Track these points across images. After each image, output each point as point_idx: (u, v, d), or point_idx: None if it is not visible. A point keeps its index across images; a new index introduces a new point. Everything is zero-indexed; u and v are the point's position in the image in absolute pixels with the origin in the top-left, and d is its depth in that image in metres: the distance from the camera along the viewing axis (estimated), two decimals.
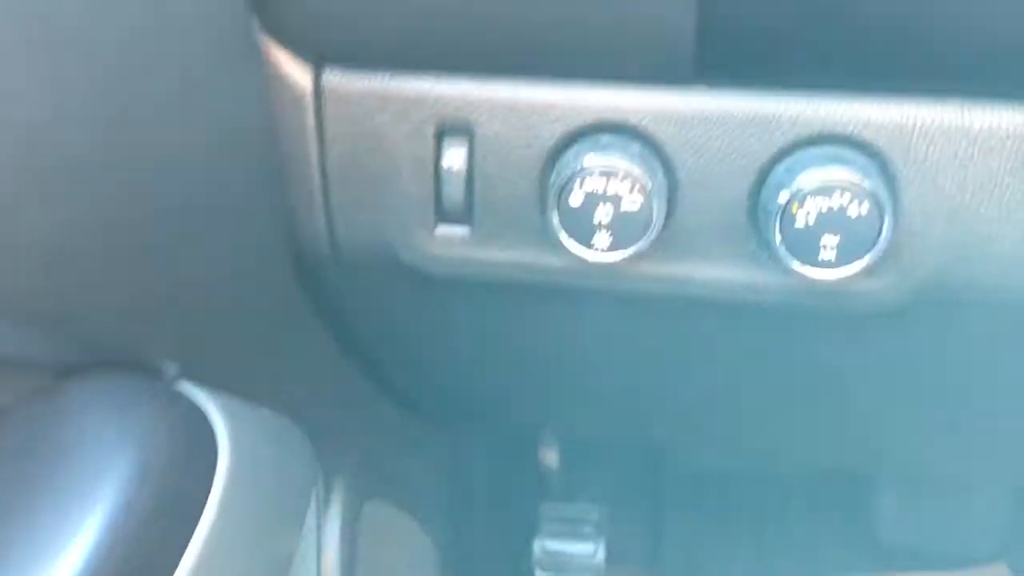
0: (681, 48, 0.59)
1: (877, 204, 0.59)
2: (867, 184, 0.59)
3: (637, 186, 0.61)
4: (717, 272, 0.66)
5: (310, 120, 0.66)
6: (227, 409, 0.58)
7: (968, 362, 0.74)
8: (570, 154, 0.63)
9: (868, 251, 0.60)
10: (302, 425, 0.75)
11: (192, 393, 0.58)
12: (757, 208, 0.64)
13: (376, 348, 0.84)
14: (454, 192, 0.67)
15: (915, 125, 0.61)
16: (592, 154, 0.62)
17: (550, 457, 1.26)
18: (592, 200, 0.62)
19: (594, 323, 0.74)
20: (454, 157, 0.66)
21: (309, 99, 0.66)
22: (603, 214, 0.62)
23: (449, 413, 1.08)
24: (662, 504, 1.42)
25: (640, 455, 1.41)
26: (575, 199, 0.62)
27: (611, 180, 0.61)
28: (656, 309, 0.70)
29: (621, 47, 0.60)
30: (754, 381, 0.82)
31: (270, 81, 0.66)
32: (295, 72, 0.65)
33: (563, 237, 0.63)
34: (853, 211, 0.60)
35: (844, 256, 0.61)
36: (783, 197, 0.60)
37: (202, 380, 0.61)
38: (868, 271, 0.62)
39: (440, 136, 0.66)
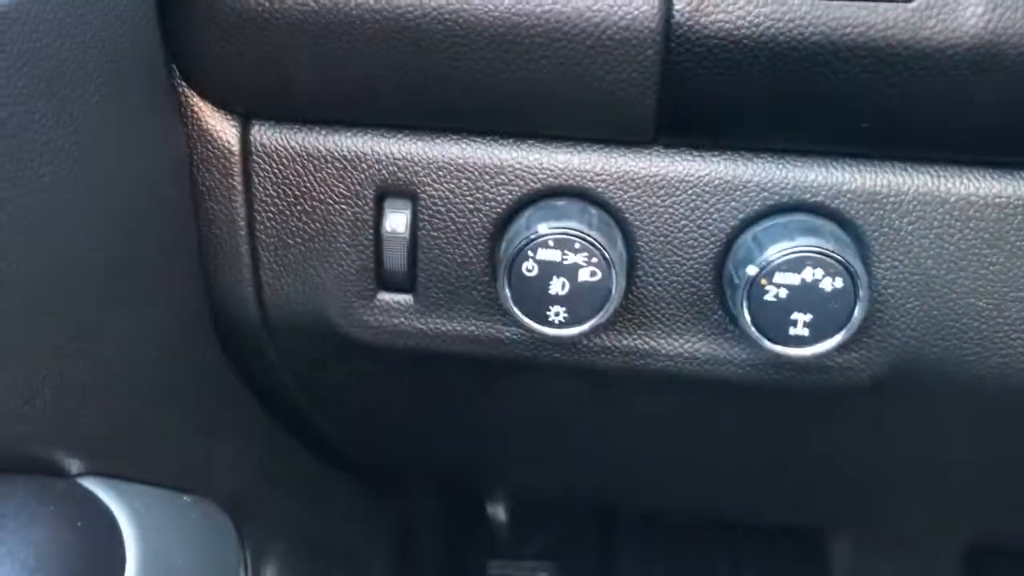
0: (642, 110, 0.55)
1: (851, 278, 0.56)
2: (840, 257, 0.55)
3: (595, 256, 0.56)
4: (681, 345, 0.61)
5: (237, 179, 0.60)
6: (136, 504, 0.52)
7: (933, 430, 0.71)
8: (522, 220, 0.58)
9: (842, 328, 0.56)
10: (230, 505, 0.68)
11: (97, 490, 0.51)
12: (723, 279, 0.59)
13: (311, 415, 0.78)
14: (396, 258, 0.61)
15: (889, 193, 0.57)
16: (546, 222, 0.57)
17: (498, 513, 1.21)
18: (546, 271, 0.57)
19: (547, 393, 0.69)
20: (396, 221, 0.60)
21: (236, 157, 0.60)
22: (558, 286, 0.57)
23: (392, 476, 1.02)
24: (613, 553, 1.38)
25: (590, 506, 1.37)
26: (528, 269, 0.57)
27: (567, 249, 0.56)
28: (613, 380, 0.65)
29: (579, 108, 0.55)
30: (714, 447, 0.78)
31: (191, 136, 0.60)
32: (220, 127, 0.60)
33: (515, 310, 0.58)
34: (826, 286, 0.56)
35: (817, 333, 0.57)
36: (751, 271, 0.56)
37: (117, 470, 0.55)
38: (841, 347, 0.58)
39: (381, 198, 0.60)
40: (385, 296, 0.63)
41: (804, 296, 0.56)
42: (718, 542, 1.40)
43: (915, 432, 0.70)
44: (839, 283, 0.56)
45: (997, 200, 0.57)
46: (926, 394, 0.62)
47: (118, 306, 0.54)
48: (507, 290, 0.57)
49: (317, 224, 0.61)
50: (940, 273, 0.58)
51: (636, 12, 0.52)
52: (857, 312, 0.56)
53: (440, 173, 0.59)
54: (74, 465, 0.51)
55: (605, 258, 0.56)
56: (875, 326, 0.59)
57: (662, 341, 0.62)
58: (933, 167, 0.57)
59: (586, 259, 0.56)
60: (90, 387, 0.51)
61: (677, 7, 0.52)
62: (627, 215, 0.59)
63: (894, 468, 0.79)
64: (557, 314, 0.58)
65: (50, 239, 0.48)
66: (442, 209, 0.60)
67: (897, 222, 0.57)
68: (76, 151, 0.49)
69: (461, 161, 0.59)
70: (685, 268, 0.59)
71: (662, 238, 0.59)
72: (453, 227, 0.60)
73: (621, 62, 0.53)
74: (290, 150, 0.60)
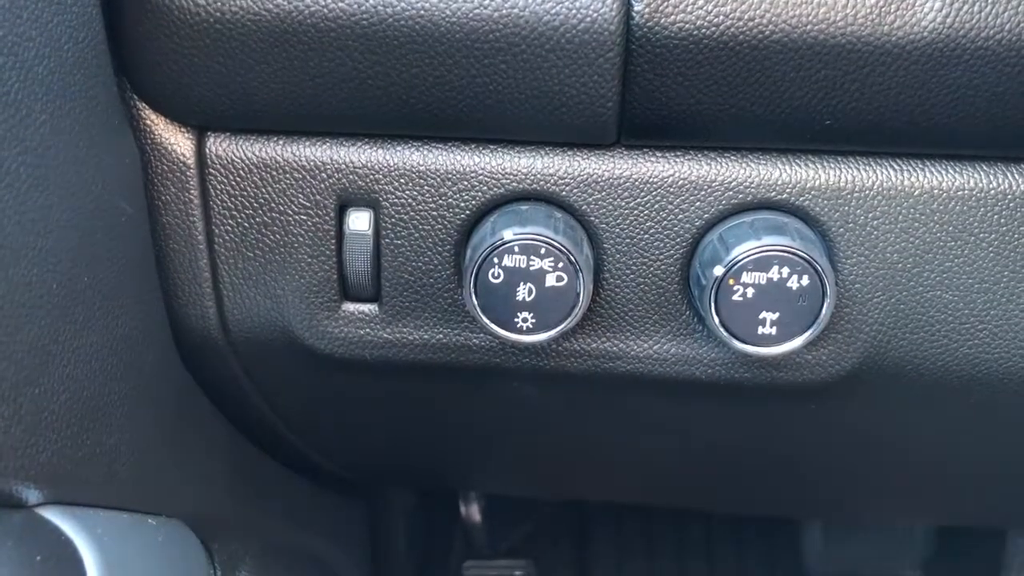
0: (604, 113, 0.54)
1: (818, 276, 0.55)
2: (806, 255, 0.55)
3: (562, 261, 0.56)
4: (650, 347, 0.61)
5: (193, 193, 0.59)
6: (99, 532, 0.51)
7: (905, 422, 0.71)
8: (486, 226, 0.58)
9: (810, 326, 0.56)
10: (198, 523, 0.67)
11: (58, 520, 0.50)
12: (690, 279, 0.59)
13: (277, 425, 0.77)
14: (359, 267, 0.60)
15: (853, 188, 0.57)
16: (511, 227, 0.56)
17: (472, 513, 1.20)
18: (513, 277, 0.56)
19: (516, 397, 0.69)
20: (358, 229, 0.59)
21: (192, 170, 0.58)
22: (525, 292, 0.56)
23: (364, 480, 1.01)
24: (588, 547, 1.38)
25: (563, 501, 1.37)
26: (494, 276, 0.56)
27: (533, 255, 0.56)
28: (582, 383, 0.64)
29: (539, 112, 0.55)
30: (687, 445, 0.78)
31: (144, 150, 0.58)
32: (174, 140, 0.58)
33: (482, 318, 0.57)
34: (793, 284, 0.55)
35: (785, 332, 0.57)
36: (718, 271, 0.55)
37: (78, 497, 0.53)
38: (810, 343, 0.58)
39: (342, 207, 0.59)
40: (349, 306, 0.62)
41: (771, 295, 0.56)
42: (691, 532, 1.41)
43: (888, 424, 0.70)
44: (806, 281, 0.55)
45: (960, 193, 0.57)
46: (896, 386, 0.63)
47: (73, 326, 0.52)
48: (474, 297, 0.57)
49: (278, 235, 0.60)
50: (906, 267, 0.58)
51: (595, 15, 0.51)
52: (825, 310, 0.56)
53: (402, 180, 0.58)
54: (32, 495, 0.49)
55: (571, 263, 0.56)
56: (843, 321, 0.59)
57: (631, 343, 0.61)
58: (896, 161, 0.57)
59: (552, 264, 0.56)
60: (46, 412, 0.49)
61: (636, 8, 0.51)
62: (592, 218, 0.58)
63: (867, 460, 0.79)
64: (525, 320, 0.57)
65: (1, 262, 0.46)
66: (405, 217, 0.59)
67: (862, 217, 0.57)
68: (24, 171, 0.47)
69: (423, 168, 0.58)
70: (651, 269, 0.59)
71: (628, 240, 0.59)
72: (416, 234, 0.59)
73: (581, 65, 0.53)
74: (247, 161, 0.58)
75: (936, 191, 0.57)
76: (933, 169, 0.57)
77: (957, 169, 0.57)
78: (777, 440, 0.73)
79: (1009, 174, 0.57)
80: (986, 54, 0.51)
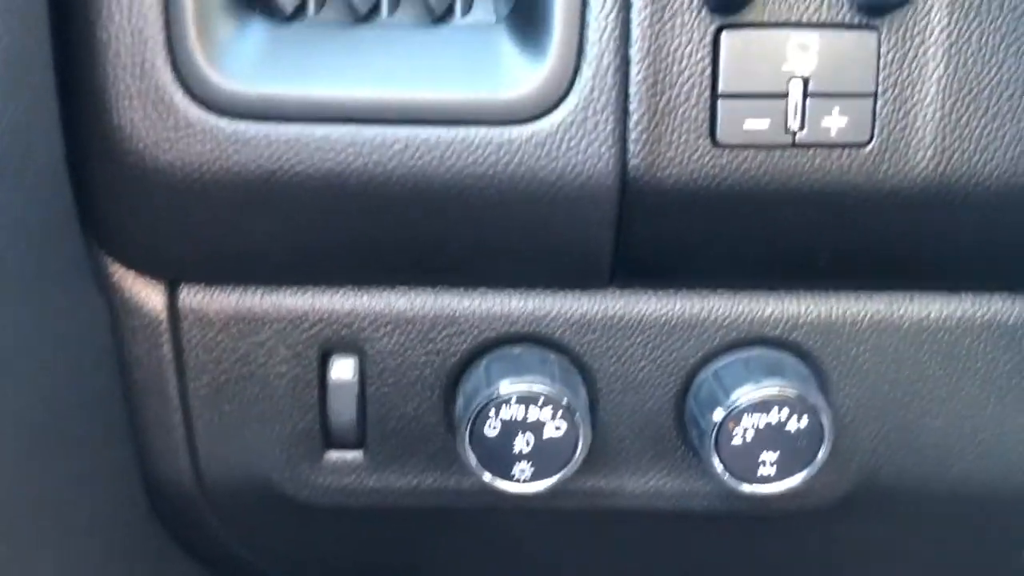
0: (598, 259, 0.53)
1: (816, 415, 0.55)
2: (805, 396, 0.55)
3: (561, 410, 0.54)
4: (646, 483, 0.60)
5: (166, 348, 0.56)
6: None
7: (898, 539, 0.71)
8: (479, 372, 0.56)
9: (809, 463, 0.56)
10: None
11: None
12: (685, 416, 0.58)
13: (257, 570, 0.73)
14: (344, 415, 0.58)
15: (844, 322, 0.57)
16: (507, 377, 0.54)
17: None
18: (511, 429, 0.54)
19: (508, 533, 0.67)
20: (342, 376, 0.57)
21: (163, 324, 0.55)
22: (523, 443, 0.55)
23: None
24: None
25: None
26: (492, 427, 0.54)
27: (531, 405, 0.54)
28: (578, 518, 0.63)
29: (534, 260, 0.53)
30: (684, 571, 0.77)
31: (113, 305, 0.55)
32: (144, 293, 0.55)
33: (478, 469, 0.55)
34: (792, 426, 0.55)
35: (784, 470, 0.56)
36: (718, 415, 0.55)
37: None
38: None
39: (325, 356, 0.57)
40: (333, 455, 0.59)
41: (771, 437, 0.55)
42: None
43: (880, 540, 0.70)
44: (804, 422, 0.55)
45: (948, 323, 0.57)
46: (888, 506, 0.63)
47: (41, 486, 0.49)
48: (470, 450, 0.55)
49: (257, 387, 0.57)
50: (896, 395, 0.59)
51: (592, 170, 0.50)
52: (823, 449, 0.55)
53: (388, 327, 0.56)
54: None
55: (570, 411, 0.54)
56: (837, 450, 0.59)
57: (627, 480, 0.60)
58: (886, 294, 0.57)
59: (551, 414, 0.54)
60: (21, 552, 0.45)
61: (632, 163, 0.50)
62: (586, 358, 0.57)
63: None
64: (523, 471, 0.55)
65: None
66: (392, 363, 0.57)
67: (853, 350, 0.57)
68: None
69: (410, 313, 0.56)
70: (647, 407, 0.58)
71: (622, 379, 0.57)
72: (404, 380, 0.57)
73: (577, 218, 0.51)
74: (223, 313, 0.55)
75: (925, 322, 0.57)
76: (921, 301, 0.57)
77: (944, 300, 0.57)
78: (770, 559, 0.73)
79: (994, 303, 0.57)
80: (975, 198, 0.52)
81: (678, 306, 0.57)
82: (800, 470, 0.56)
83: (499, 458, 0.55)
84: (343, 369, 0.57)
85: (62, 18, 0.48)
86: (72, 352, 0.55)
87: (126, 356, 0.56)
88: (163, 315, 0.55)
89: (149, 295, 0.55)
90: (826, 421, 0.55)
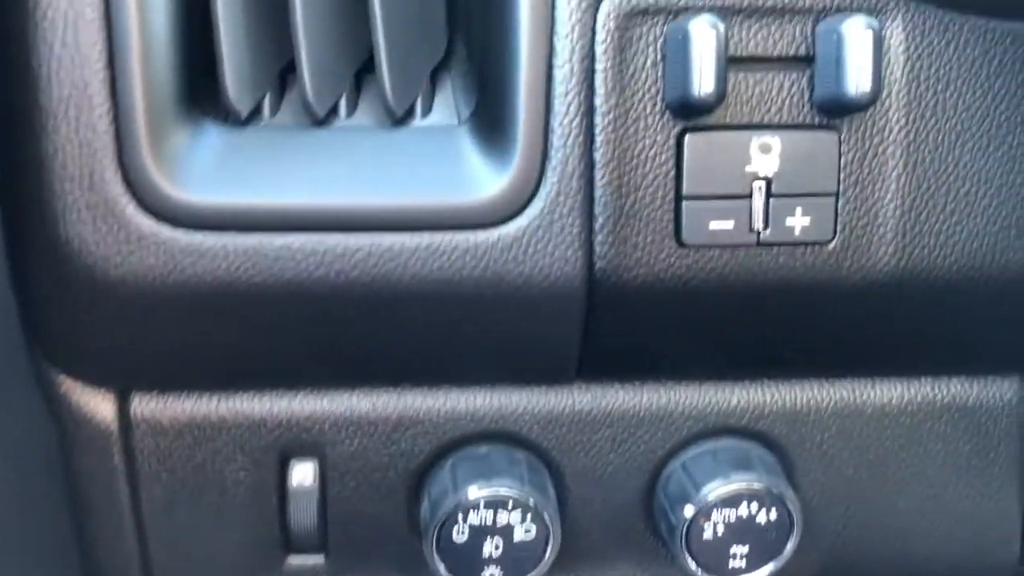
0: (564, 357, 0.52)
1: (784, 506, 0.55)
2: (772, 488, 0.55)
3: (530, 513, 0.53)
4: (616, 575, 0.59)
5: (117, 459, 0.53)
6: None
7: None
8: (445, 474, 0.54)
9: (778, 554, 0.56)
10: None
11: None
12: (654, 508, 0.58)
13: None
14: (305, 519, 0.56)
15: (809, 410, 0.57)
16: (475, 482, 0.53)
17: None
18: (479, 534, 0.53)
19: None
20: (303, 481, 0.55)
21: (114, 435, 0.53)
22: (492, 547, 0.54)
23: None
24: None
25: None
26: (459, 535, 0.53)
27: (500, 509, 0.53)
28: None
29: (499, 360, 0.52)
30: None
31: (60, 417, 0.52)
32: (93, 403, 0.52)
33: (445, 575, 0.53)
34: (762, 519, 0.55)
35: (754, 562, 0.56)
36: (688, 511, 0.54)
37: None
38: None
39: (284, 460, 0.55)
40: (294, 560, 0.57)
41: (741, 530, 0.55)
42: None
43: None
44: (774, 515, 0.55)
45: (908, 408, 0.58)
46: None
47: None
48: (437, 557, 0.53)
49: (213, 495, 0.55)
50: (861, 478, 0.59)
51: (559, 273, 0.49)
52: (792, 540, 0.55)
53: (349, 429, 0.54)
54: None
55: (540, 513, 0.53)
56: (805, 537, 0.59)
57: (595, 573, 0.59)
58: (848, 381, 0.58)
59: (520, 517, 0.53)
60: None
61: (599, 265, 0.50)
62: (553, 454, 0.56)
63: None
64: (492, 575, 0.54)
65: None
66: (354, 466, 0.55)
67: (818, 437, 0.58)
68: None
69: (372, 415, 0.54)
70: (616, 500, 0.57)
71: (591, 473, 0.57)
72: (366, 483, 0.55)
73: (544, 318, 0.51)
74: (177, 421, 0.53)
75: (887, 407, 0.58)
76: (882, 386, 0.58)
77: (905, 384, 0.58)
78: None
79: (952, 386, 0.58)
80: (936, 291, 0.52)
81: (645, 398, 0.56)
82: (769, 560, 0.56)
83: (467, 563, 0.53)
84: (303, 474, 0.55)
85: (5, 129, 0.46)
86: (14, 464, 0.52)
87: (75, 468, 0.53)
88: (113, 425, 0.53)
89: (98, 405, 0.52)
90: (795, 512, 0.55)
